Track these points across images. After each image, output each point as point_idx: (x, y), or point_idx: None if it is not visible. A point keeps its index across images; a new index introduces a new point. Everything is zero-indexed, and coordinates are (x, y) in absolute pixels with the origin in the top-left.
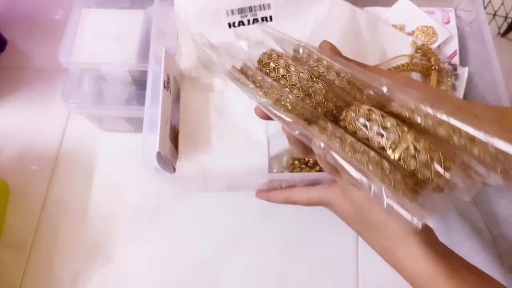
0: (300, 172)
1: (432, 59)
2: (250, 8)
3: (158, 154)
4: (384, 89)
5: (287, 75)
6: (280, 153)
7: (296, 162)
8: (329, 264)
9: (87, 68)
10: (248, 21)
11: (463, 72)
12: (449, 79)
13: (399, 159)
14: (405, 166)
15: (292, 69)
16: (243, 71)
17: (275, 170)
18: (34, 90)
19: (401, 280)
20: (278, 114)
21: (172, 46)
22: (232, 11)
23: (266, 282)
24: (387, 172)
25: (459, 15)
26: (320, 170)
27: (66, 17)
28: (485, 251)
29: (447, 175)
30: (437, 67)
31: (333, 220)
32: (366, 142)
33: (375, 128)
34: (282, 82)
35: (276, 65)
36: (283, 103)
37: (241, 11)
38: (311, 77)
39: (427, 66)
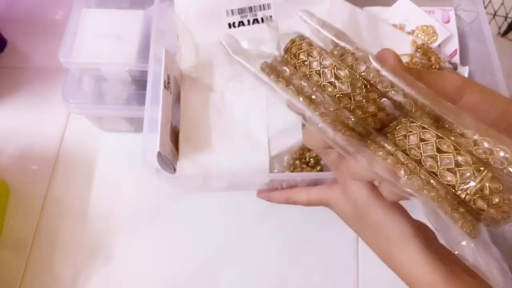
0: (301, 172)
1: (433, 58)
2: (250, 8)
3: (159, 154)
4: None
5: (336, 82)
6: (281, 153)
7: (297, 162)
8: (329, 264)
9: (87, 68)
10: (248, 21)
11: (464, 71)
12: None
13: (469, 201)
14: (474, 206)
15: (342, 74)
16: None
17: (276, 170)
18: (34, 90)
19: (401, 281)
20: (331, 134)
21: (172, 46)
22: (232, 11)
23: (266, 281)
24: (461, 212)
25: (459, 15)
26: (321, 170)
27: (66, 17)
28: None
29: None
30: (437, 66)
31: (333, 220)
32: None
33: (447, 162)
34: (330, 89)
35: (321, 68)
36: (339, 127)
37: (241, 11)
38: (365, 86)
39: (428, 65)
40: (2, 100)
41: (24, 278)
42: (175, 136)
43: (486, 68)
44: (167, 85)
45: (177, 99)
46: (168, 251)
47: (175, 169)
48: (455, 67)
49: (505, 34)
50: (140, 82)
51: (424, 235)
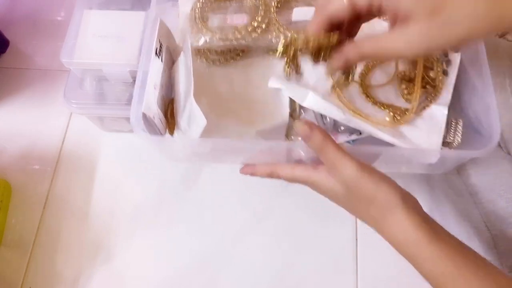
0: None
1: None
2: None
3: (143, 115)
4: None
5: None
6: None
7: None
8: (328, 260)
9: (88, 69)
10: None
11: (456, 58)
12: (440, 64)
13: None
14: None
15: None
16: None
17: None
18: (36, 90)
19: (399, 275)
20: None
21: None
22: None
23: (266, 280)
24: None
25: None
26: None
27: (68, 18)
28: (484, 251)
29: None
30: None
31: (332, 218)
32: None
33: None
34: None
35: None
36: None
37: None
38: None
39: None
40: (4, 100)
41: (26, 277)
42: (164, 104)
43: (477, 56)
44: (158, 53)
45: (169, 72)
46: (168, 249)
47: (161, 134)
48: (445, 54)
49: (503, 34)
50: None
51: (409, 201)
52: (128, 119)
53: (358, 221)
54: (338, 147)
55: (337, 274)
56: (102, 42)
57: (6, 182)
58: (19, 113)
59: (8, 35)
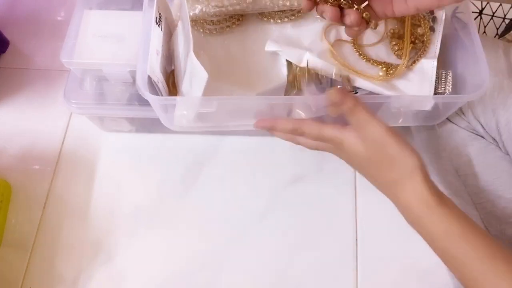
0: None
1: None
2: None
3: (149, 78)
4: None
5: None
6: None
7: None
8: (329, 260)
9: (88, 69)
10: None
11: (441, 15)
12: (427, 22)
13: None
14: None
15: None
16: None
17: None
18: (36, 90)
19: (398, 275)
20: None
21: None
22: None
23: (265, 279)
24: None
25: None
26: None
27: (68, 18)
28: None
29: None
30: None
31: (333, 218)
32: None
33: None
34: None
35: None
36: None
37: None
38: None
39: None
40: (4, 100)
41: (26, 277)
42: (166, 75)
43: (463, 11)
44: (158, 22)
45: (167, 45)
46: (168, 249)
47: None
48: (431, 11)
49: (503, 35)
50: None
51: (425, 169)
52: (128, 119)
53: (358, 220)
54: (369, 109)
55: (337, 274)
56: (102, 42)
57: (6, 182)
58: (19, 113)
59: (8, 35)
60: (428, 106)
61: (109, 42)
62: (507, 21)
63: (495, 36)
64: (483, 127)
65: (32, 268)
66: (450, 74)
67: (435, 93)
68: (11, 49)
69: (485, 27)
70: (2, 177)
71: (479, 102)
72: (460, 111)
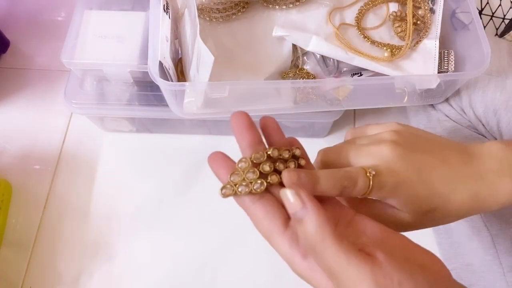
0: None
1: None
2: None
3: (160, 63)
4: None
5: None
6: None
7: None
8: None
9: (89, 69)
10: None
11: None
12: (426, 3)
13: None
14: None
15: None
16: None
17: None
18: (37, 90)
19: None
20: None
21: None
22: None
23: (265, 278)
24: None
25: None
26: None
27: (68, 19)
28: (484, 250)
29: None
30: None
31: None
32: None
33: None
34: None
35: None
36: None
37: None
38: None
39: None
40: (4, 100)
41: (27, 276)
42: (174, 62)
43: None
44: (166, 10)
45: (174, 34)
46: (169, 249)
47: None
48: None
49: (502, 35)
50: (141, 83)
51: None
52: (129, 119)
53: None
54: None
55: None
56: (102, 43)
57: (7, 182)
58: (19, 113)
59: (8, 35)
60: (433, 84)
61: (109, 43)
62: (506, 21)
63: (495, 36)
64: (485, 127)
65: (32, 268)
66: (452, 53)
67: (438, 72)
68: (11, 49)
69: (484, 27)
70: (2, 177)
71: (481, 101)
72: (462, 111)
